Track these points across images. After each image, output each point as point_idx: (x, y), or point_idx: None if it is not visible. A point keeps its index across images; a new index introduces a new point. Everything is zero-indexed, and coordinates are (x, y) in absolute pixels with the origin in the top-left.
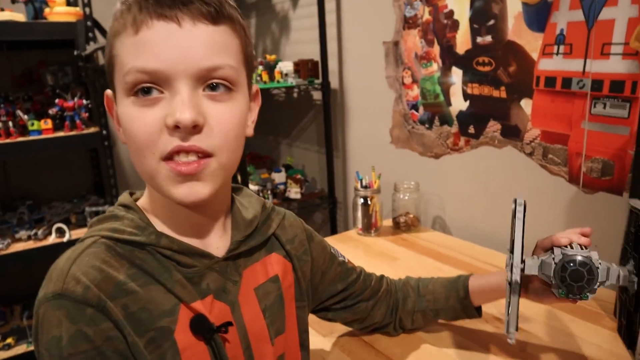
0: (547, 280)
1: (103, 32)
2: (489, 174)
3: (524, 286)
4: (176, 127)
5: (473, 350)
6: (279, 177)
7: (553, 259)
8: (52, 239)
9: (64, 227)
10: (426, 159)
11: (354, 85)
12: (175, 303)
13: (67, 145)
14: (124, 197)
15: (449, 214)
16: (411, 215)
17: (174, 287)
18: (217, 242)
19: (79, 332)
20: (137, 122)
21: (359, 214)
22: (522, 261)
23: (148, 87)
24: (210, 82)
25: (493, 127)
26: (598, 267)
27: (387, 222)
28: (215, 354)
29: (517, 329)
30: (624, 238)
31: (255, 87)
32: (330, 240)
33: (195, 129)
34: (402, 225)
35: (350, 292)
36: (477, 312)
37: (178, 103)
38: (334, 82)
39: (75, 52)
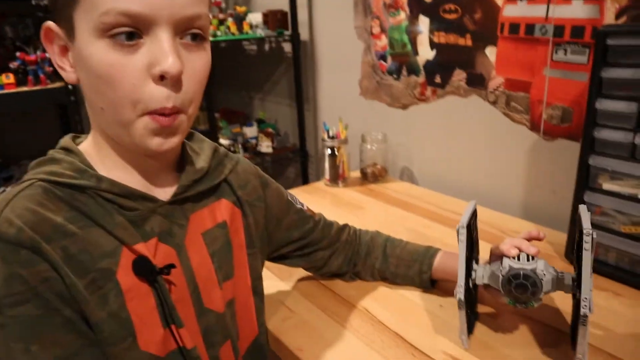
0: (496, 286)
1: None
2: (455, 124)
3: (483, 289)
4: (162, 77)
5: (430, 293)
6: (251, 131)
7: (501, 271)
8: None
9: None
10: (394, 110)
11: (324, 36)
12: (116, 245)
13: (31, 101)
14: (65, 141)
15: (416, 165)
16: (379, 166)
17: (115, 230)
18: (165, 187)
19: (13, 274)
20: (118, 69)
21: (326, 164)
22: (470, 278)
23: (130, 31)
24: (189, 31)
25: (459, 76)
26: (542, 279)
27: (355, 173)
28: (159, 295)
29: (469, 334)
30: (568, 234)
31: None
32: (298, 191)
33: (179, 79)
34: (370, 176)
35: (307, 241)
36: (432, 284)
37: (162, 51)
38: (303, 34)
39: (34, 2)
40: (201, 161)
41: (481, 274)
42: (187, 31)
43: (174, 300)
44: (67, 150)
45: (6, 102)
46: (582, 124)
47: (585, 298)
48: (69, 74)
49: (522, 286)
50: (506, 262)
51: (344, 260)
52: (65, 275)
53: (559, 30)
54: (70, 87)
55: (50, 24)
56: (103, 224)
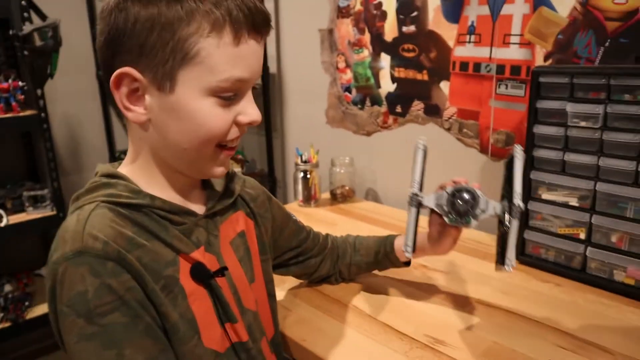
0: (440, 210)
1: (38, 13)
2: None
3: (424, 241)
4: (248, 124)
5: (409, 287)
6: None
7: (446, 190)
8: None
9: (1, 212)
10: (359, 137)
11: (292, 69)
12: (174, 255)
13: (1, 128)
14: (107, 168)
15: (380, 186)
16: (347, 188)
17: (173, 241)
18: (197, 202)
19: (103, 285)
20: (218, 119)
21: (300, 187)
22: (420, 184)
23: (235, 93)
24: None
25: (417, 107)
26: (480, 197)
27: (325, 195)
28: (214, 296)
29: (414, 244)
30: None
31: None
32: None
33: None
34: (339, 197)
35: (302, 249)
36: (405, 264)
37: (249, 105)
38: (272, 67)
39: (11, 32)
40: (217, 180)
41: (428, 198)
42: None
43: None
44: (112, 176)
45: None
46: (523, 146)
47: (519, 193)
48: (137, 115)
49: (463, 198)
50: (450, 185)
51: (330, 264)
52: (146, 281)
53: (500, 68)
54: (43, 115)
55: (130, 70)
56: (162, 237)
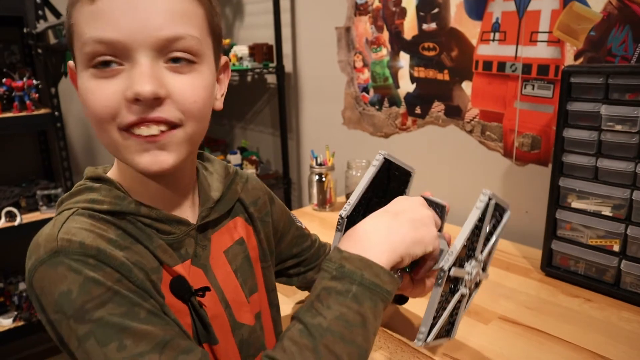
0: None
1: (53, 11)
2: (434, 151)
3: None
4: (136, 100)
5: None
6: (235, 159)
7: None
8: (2, 222)
9: (15, 210)
10: (376, 139)
11: (308, 68)
12: (157, 265)
13: (16, 127)
14: (92, 171)
15: None
16: None
17: (156, 251)
18: (188, 211)
19: (88, 279)
20: (96, 95)
21: (314, 190)
22: (364, 202)
23: (108, 59)
24: (171, 54)
25: (437, 108)
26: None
27: (341, 199)
28: (193, 315)
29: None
30: (543, 247)
31: (225, 58)
32: None
33: (157, 101)
34: None
35: (303, 258)
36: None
37: (137, 75)
38: (288, 66)
39: (26, 30)
40: (216, 183)
41: None
42: (170, 54)
43: (210, 318)
44: (98, 179)
45: None
46: (550, 150)
47: (452, 252)
48: (84, 109)
49: None
50: None
51: None
52: (135, 274)
53: (527, 68)
54: (56, 113)
55: (70, 63)
56: (146, 244)
